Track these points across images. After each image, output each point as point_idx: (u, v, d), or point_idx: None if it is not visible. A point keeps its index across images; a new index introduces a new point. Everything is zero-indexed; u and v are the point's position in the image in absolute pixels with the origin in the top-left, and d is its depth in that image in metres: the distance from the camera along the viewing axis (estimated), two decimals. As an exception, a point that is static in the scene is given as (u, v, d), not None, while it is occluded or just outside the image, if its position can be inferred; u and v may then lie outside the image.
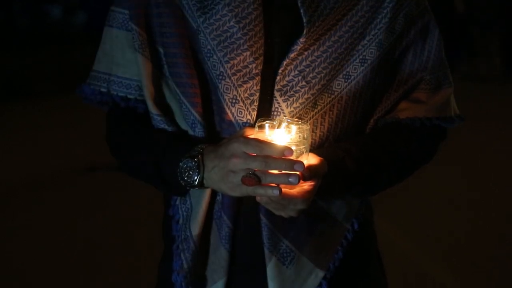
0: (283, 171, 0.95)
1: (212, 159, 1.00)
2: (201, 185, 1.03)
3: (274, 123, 1.00)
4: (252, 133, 1.01)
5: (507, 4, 9.54)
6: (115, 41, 1.14)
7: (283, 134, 0.99)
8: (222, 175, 0.99)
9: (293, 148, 0.97)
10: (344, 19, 1.09)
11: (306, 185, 0.97)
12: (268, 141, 0.98)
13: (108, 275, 3.36)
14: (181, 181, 1.03)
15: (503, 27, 9.72)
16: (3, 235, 3.91)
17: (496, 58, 9.88)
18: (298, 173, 0.95)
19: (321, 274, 1.12)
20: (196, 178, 1.02)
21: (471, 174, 4.89)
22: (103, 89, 1.15)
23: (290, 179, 0.94)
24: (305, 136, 0.99)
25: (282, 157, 0.95)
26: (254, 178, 0.95)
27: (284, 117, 1.02)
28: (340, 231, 1.14)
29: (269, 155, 0.95)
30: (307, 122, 1.06)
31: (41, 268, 3.45)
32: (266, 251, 1.09)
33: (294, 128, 0.99)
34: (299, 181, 0.95)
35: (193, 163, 1.02)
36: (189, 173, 1.02)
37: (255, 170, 0.96)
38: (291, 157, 0.95)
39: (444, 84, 1.19)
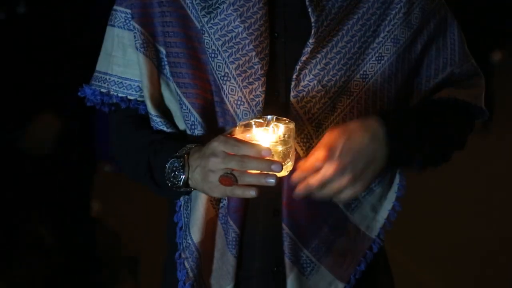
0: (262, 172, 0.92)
1: (196, 159, 0.98)
2: (187, 185, 1.00)
3: (262, 121, 0.97)
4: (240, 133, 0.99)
5: None
6: (116, 40, 1.12)
7: (266, 133, 0.96)
8: (203, 174, 0.96)
9: (279, 148, 0.94)
10: (355, 18, 1.07)
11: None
12: (248, 140, 0.95)
13: (109, 277, 3.34)
14: (167, 182, 1.01)
15: None
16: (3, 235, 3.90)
17: None
18: (276, 173, 0.92)
19: (340, 286, 1.11)
20: (181, 178, 0.99)
21: (474, 183, 4.83)
22: (103, 90, 1.12)
23: (267, 180, 0.92)
24: (290, 135, 0.96)
25: (260, 157, 0.92)
26: (231, 178, 0.92)
27: (273, 116, 0.98)
28: (365, 242, 1.13)
29: (247, 154, 0.92)
30: (313, 123, 1.04)
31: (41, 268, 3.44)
32: (288, 261, 1.07)
33: (282, 127, 0.97)
34: (276, 182, 0.92)
35: (179, 163, 0.99)
36: (175, 173, 0.99)
37: (233, 170, 0.93)
38: (270, 158, 0.92)
39: (475, 74, 1.19)
